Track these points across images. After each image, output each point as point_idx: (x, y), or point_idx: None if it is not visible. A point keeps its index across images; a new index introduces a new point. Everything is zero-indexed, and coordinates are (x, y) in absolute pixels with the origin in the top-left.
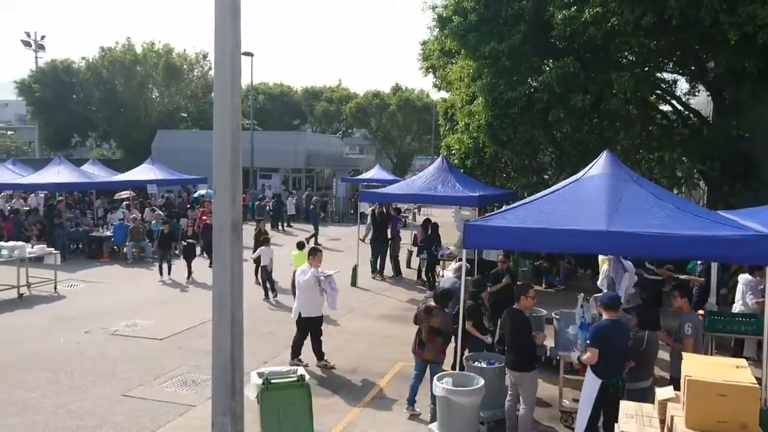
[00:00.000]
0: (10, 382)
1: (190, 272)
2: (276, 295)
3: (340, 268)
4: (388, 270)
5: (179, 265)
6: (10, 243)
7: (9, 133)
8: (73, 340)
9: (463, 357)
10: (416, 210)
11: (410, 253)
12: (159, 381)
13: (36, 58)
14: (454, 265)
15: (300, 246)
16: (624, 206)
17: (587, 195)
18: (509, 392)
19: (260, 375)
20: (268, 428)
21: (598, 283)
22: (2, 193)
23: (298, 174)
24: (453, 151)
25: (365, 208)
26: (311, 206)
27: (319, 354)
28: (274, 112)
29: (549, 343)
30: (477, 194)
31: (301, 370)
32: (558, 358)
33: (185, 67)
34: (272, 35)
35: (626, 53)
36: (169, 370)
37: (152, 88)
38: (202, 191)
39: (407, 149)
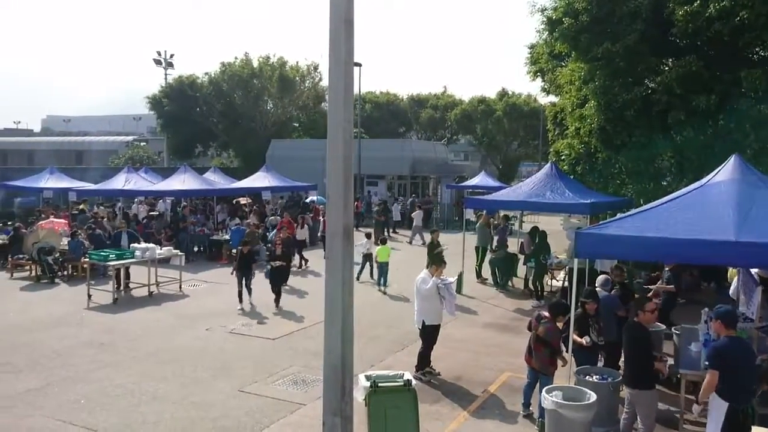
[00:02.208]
0: (142, 373)
1: (277, 297)
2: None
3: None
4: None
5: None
6: (143, 245)
7: (142, 144)
8: (195, 337)
9: (575, 371)
10: (518, 217)
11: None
12: (272, 379)
13: (165, 75)
14: (601, 277)
15: (383, 242)
16: (756, 214)
17: (713, 202)
18: (626, 410)
19: (368, 378)
20: (375, 430)
21: (730, 292)
22: (136, 199)
23: (404, 181)
24: (562, 157)
25: (470, 214)
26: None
27: (425, 361)
28: (380, 119)
29: (669, 360)
30: (589, 201)
31: (408, 375)
32: (678, 376)
33: (297, 78)
34: (379, 44)
35: (757, 49)
36: (281, 368)
37: (267, 100)
38: (312, 197)
39: (513, 155)
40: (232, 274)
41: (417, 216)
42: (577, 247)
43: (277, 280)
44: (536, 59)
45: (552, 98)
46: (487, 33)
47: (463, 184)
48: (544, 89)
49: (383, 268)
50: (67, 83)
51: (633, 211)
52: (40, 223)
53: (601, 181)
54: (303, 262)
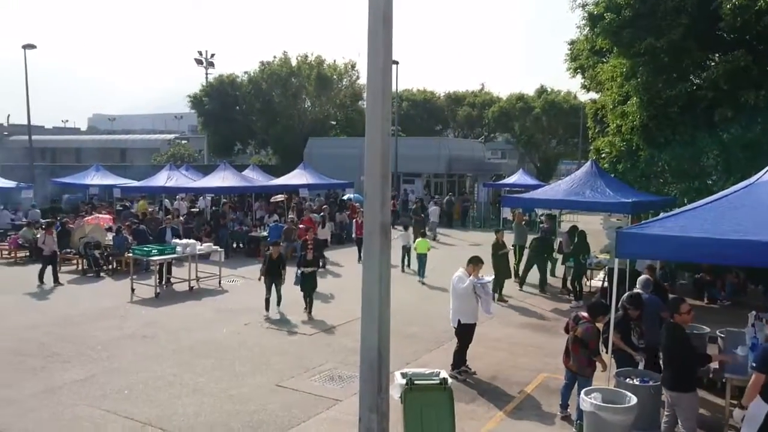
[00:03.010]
0: (183, 366)
1: (309, 306)
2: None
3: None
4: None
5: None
6: (184, 241)
7: (183, 142)
8: (234, 331)
9: (614, 372)
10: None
11: (554, 260)
12: (308, 374)
13: (206, 74)
14: (642, 278)
15: (422, 234)
16: None
17: (762, 202)
18: (666, 413)
19: (404, 375)
20: (410, 428)
21: None
22: (177, 196)
23: (440, 179)
24: (603, 155)
25: (508, 213)
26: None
27: (461, 360)
28: (417, 117)
29: (713, 364)
30: (630, 200)
31: (443, 373)
32: (724, 380)
33: (335, 77)
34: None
35: None
36: (317, 364)
37: (305, 98)
38: (349, 195)
39: (552, 153)
40: (259, 279)
41: (433, 212)
42: (618, 247)
43: (309, 288)
44: (577, 55)
45: (592, 95)
46: (525, 29)
47: (500, 182)
48: (584, 86)
49: (422, 259)
50: (112, 83)
51: (677, 210)
52: (87, 218)
53: (643, 179)
54: (322, 261)
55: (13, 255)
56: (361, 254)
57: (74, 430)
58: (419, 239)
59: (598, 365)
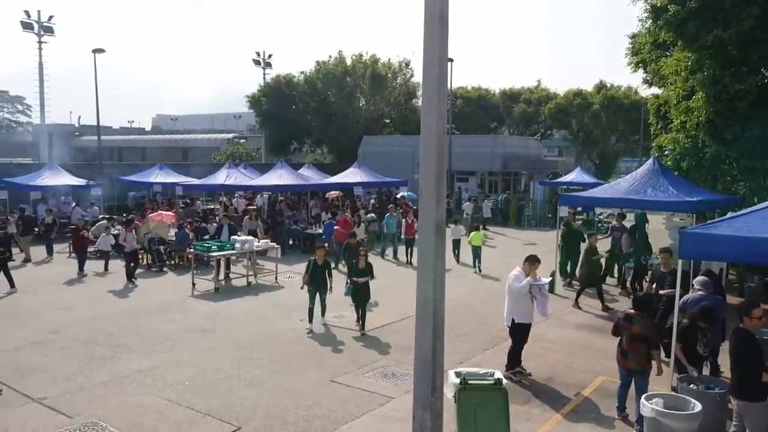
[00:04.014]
0: (241, 360)
1: (362, 319)
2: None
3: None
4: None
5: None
6: (242, 237)
7: (241, 141)
8: (289, 327)
9: (677, 377)
10: (615, 215)
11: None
12: (362, 371)
13: (264, 74)
14: (699, 278)
15: (476, 228)
16: None
17: None
18: (734, 423)
19: (458, 374)
20: (464, 428)
21: None
22: (236, 194)
23: (495, 177)
24: (666, 152)
25: (564, 212)
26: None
27: (516, 360)
28: (471, 115)
29: None
30: (695, 199)
31: (498, 374)
32: None
33: (389, 75)
34: (471, 38)
35: None
36: (371, 361)
37: (359, 97)
38: (403, 193)
39: (611, 151)
40: (302, 288)
41: (467, 207)
42: (682, 247)
43: (361, 299)
44: (638, 49)
45: (655, 90)
46: (584, 24)
47: (557, 180)
48: (646, 81)
49: (476, 251)
50: (175, 84)
51: (745, 210)
52: (151, 215)
53: (709, 178)
54: None
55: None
56: (408, 254)
57: (139, 417)
58: (474, 232)
59: (654, 366)
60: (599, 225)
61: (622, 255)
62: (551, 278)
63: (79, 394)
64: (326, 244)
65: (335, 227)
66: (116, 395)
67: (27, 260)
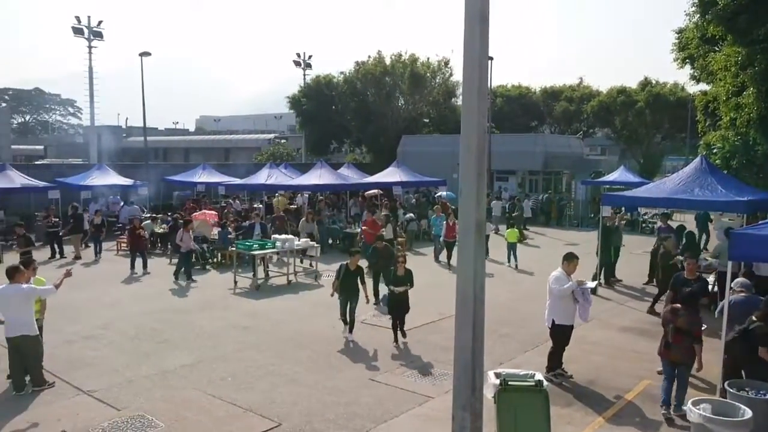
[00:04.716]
0: (281, 357)
1: (400, 331)
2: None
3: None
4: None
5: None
6: (283, 236)
7: (282, 141)
8: (329, 325)
9: (727, 383)
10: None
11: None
12: (401, 370)
13: (304, 75)
14: (738, 280)
15: (511, 225)
16: None
17: None
18: None
19: (497, 375)
20: (504, 430)
21: None
22: (277, 193)
23: (535, 176)
24: (714, 150)
25: (607, 212)
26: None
27: (556, 362)
28: (511, 114)
29: None
30: (745, 199)
31: (539, 375)
32: None
33: (428, 75)
34: (511, 37)
35: None
36: (409, 360)
37: (398, 97)
38: (442, 193)
39: (656, 149)
40: (332, 295)
41: (496, 206)
42: (732, 248)
43: (399, 310)
44: (685, 45)
45: (703, 86)
46: (628, 19)
47: (599, 179)
48: (693, 77)
49: (512, 248)
50: (218, 86)
51: None
52: (194, 214)
53: (761, 176)
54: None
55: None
56: (449, 256)
57: (183, 411)
58: (509, 229)
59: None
60: (644, 226)
61: (669, 256)
62: (596, 282)
63: (126, 388)
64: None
65: (362, 227)
66: (161, 389)
67: (77, 258)
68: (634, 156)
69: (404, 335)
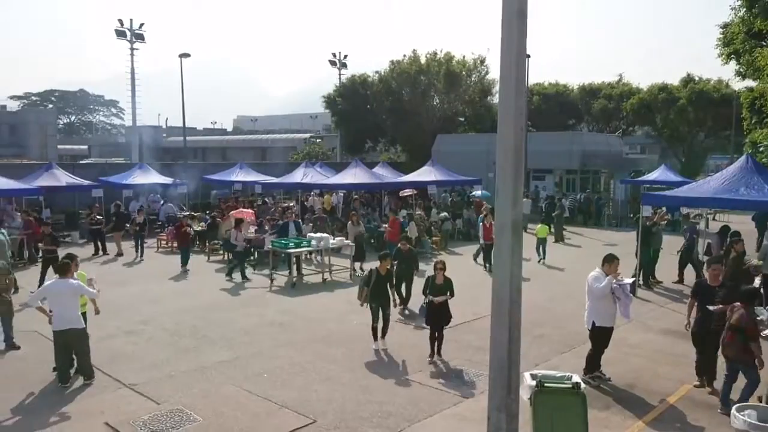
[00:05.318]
0: (316, 354)
1: (438, 347)
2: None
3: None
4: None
5: None
6: (318, 234)
7: (317, 140)
8: (364, 323)
9: None
10: (710, 216)
11: (701, 263)
12: (435, 370)
13: (339, 75)
14: None
15: (542, 221)
16: None
17: None
18: None
19: (533, 376)
20: None
21: None
22: (312, 192)
23: (572, 175)
24: (761, 149)
25: (648, 211)
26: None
27: (595, 364)
28: (548, 112)
29: None
30: None
31: (576, 377)
32: None
33: (464, 73)
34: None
35: None
36: (443, 360)
37: (434, 96)
38: (477, 192)
39: (699, 147)
40: (362, 305)
41: (525, 204)
42: None
43: (438, 321)
44: (730, 40)
45: (749, 83)
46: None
47: (639, 179)
48: (739, 73)
49: (542, 243)
50: (255, 86)
51: None
52: (232, 212)
53: None
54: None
55: (170, 245)
56: (486, 258)
57: (221, 406)
58: (539, 225)
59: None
60: (684, 226)
61: (739, 261)
62: (634, 278)
63: (165, 382)
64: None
65: (385, 226)
66: (199, 384)
67: (119, 254)
68: (675, 154)
69: (440, 352)
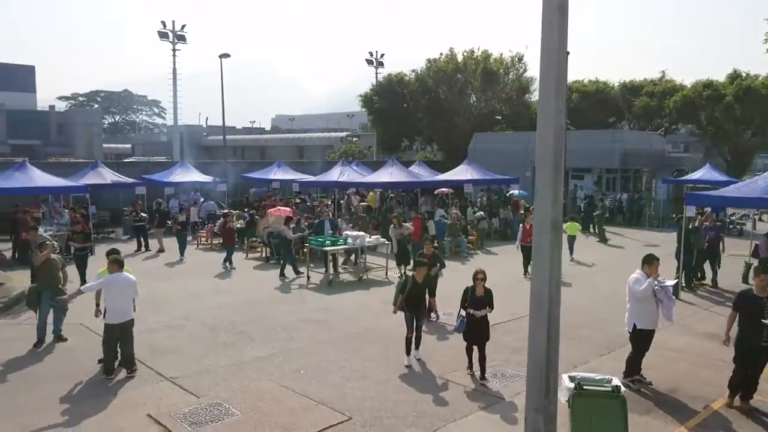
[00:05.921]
0: (352, 351)
1: (480, 364)
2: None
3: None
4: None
5: None
6: (354, 233)
7: (354, 139)
8: (398, 323)
9: None
10: (757, 217)
11: (748, 266)
12: (470, 370)
13: (376, 73)
14: None
15: (572, 218)
16: None
17: None
18: None
19: (572, 379)
20: None
21: None
22: (349, 190)
23: (612, 174)
24: None
25: (692, 212)
26: None
27: (635, 368)
28: (588, 110)
29: None
30: None
31: (615, 380)
32: None
33: (501, 71)
34: (588, 30)
35: None
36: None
37: (470, 94)
38: (514, 191)
39: (746, 146)
40: (395, 312)
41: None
42: None
43: (478, 336)
44: None
45: None
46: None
47: (682, 178)
48: None
49: (570, 241)
50: (293, 86)
51: None
52: (270, 210)
53: None
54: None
55: (210, 242)
56: (526, 264)
57: (258, 401)
58: (569, 222)
59: None
60: (731, 227)
61: (762, 260)
62: (677, 280)
63: (205, 376)
64: (435, 243)
65: (405, 224)
66: (237, 379)
67: (161, 251)
68: (721, 153)
69: (484, 374)
